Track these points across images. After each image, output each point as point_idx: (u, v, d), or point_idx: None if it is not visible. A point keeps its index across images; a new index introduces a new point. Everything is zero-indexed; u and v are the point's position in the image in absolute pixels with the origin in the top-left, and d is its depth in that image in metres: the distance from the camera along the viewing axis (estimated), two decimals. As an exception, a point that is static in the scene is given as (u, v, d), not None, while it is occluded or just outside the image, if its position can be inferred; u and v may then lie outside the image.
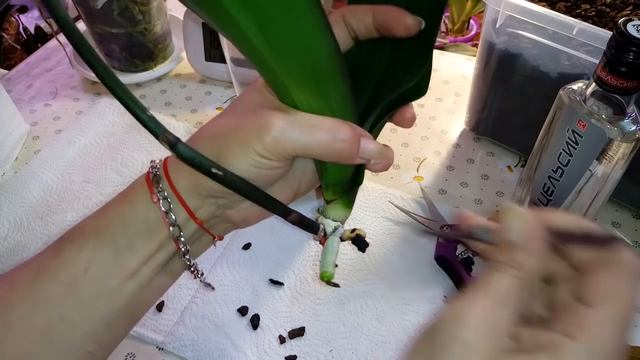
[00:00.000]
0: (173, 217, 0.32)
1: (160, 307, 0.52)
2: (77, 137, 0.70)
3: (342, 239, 0.36)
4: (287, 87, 0.30)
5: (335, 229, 0.36)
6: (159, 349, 0.50)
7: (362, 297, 0.53)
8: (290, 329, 0.51)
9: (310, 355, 0.49)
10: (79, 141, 0.70)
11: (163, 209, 0.32)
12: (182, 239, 0.33)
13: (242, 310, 0.52)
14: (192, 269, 0.35)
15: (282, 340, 0.50)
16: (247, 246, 0.57)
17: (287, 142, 0.30)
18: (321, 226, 0.36)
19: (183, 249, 0.33)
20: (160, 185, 0.32)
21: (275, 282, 0.54)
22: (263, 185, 0.32)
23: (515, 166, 0.66)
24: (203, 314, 0.52)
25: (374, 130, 0.36)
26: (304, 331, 0.50)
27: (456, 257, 0.55)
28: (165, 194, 0.32)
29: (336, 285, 0.36)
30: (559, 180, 0.50)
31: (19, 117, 0.71)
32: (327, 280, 0.34)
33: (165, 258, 0.33)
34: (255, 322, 0.51)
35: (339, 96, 0.31)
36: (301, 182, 0.36)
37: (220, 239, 0.36)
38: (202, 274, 0.37)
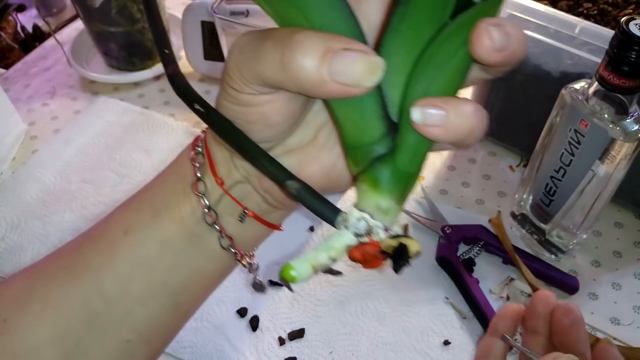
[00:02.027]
0: (199, 174, 0.29)
1: (158, 309, 0.52)
2: (75, 136, 0.70)
3: (383, 252, 0.24)
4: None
5: (359, 220, 0.24)
6: (158, 351, 0.49)
7: (362, 298, 0.53)
8: (290, 331, 0.50)
9: (310, 357, 0.49)
10: (77, 141, 0.69)
11: (196, 164, 0.29)
12: (205, 201, 0.29)
13: (242, 312, 0.51)
14: (233, 250, 0.30)
15: (281, 341, 0.49)
16: (246, 247, 0.57)
17: (242, 62, 0.23)
18: (343, 215, 0.24)
19: (206, 210, 0.29)
20: (200, 142, 0.30)
21: (275, 283, 0.53)
22: (255, 133, 0.26)
23: (517, 166, 0.66)
24: (202, 316, 0.51)
25: (438, 54, 0.21)
26: (303, 333, 0.50)
27: (457, 258, 0.54)
28: (200, 149, 0.30)
29: (290, 289, 0.24)
30: (561, 180, 0.50)
31: (17, 116, 0.71)
32: (284, 278, 0.23)
33: (196, 224, 0.30)
34: (254, 323, 0.50)
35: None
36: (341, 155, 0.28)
37: (261, 220, 0.30)
38: (256, 267, 0.32)
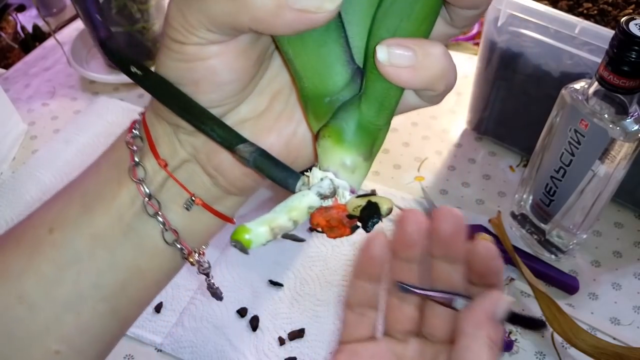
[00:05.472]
0: (137, 158, 0.26)
1: (158, 309, 0.52)
2: (75, 136, 0.70)
3: (350, 216, 0.22)
4: None
5: (322, 180, 0.22)
6: (158, 351, 0.49)
7: (362, 298, 0.53)
8: (290, 331, 0.50)
9: (310, 357, 0.49)
10: (77, 141, 0.69)
11: (134, 147, 0.26)
12: (145, 188, 0.26)
13: (242, 312, 0.51)
14: (179, 246, 0.27)
15: (281, 341, 0.49)
16: (246, 247, 0.57)
17: (185, 4, 0.21)
18: (304, 179, 0.23)
19: (146, 199, 0.26)
20: (138, 125, 0.27)
21: (275, 283, 0.53)
22: (202, 95, 0.23)
23: (517, 166, 0.66)
24: (202, 316, 0.51)
25: None
26: (303, 333, 0.50)
27: (457, 257, 0.54)
28: (137, 132, 0.27)
29: (245, 252, 0.22)
30: (561, 180, 0.50)
31: (17, 116, 0.71)
32: (238, 241, 0.21)
33: (134, 217, 0.27)
34: (254, 323, 0.50)
35: None
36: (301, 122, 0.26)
37: (210, 209, 0.27)
38: (207, 267, 0.29)
